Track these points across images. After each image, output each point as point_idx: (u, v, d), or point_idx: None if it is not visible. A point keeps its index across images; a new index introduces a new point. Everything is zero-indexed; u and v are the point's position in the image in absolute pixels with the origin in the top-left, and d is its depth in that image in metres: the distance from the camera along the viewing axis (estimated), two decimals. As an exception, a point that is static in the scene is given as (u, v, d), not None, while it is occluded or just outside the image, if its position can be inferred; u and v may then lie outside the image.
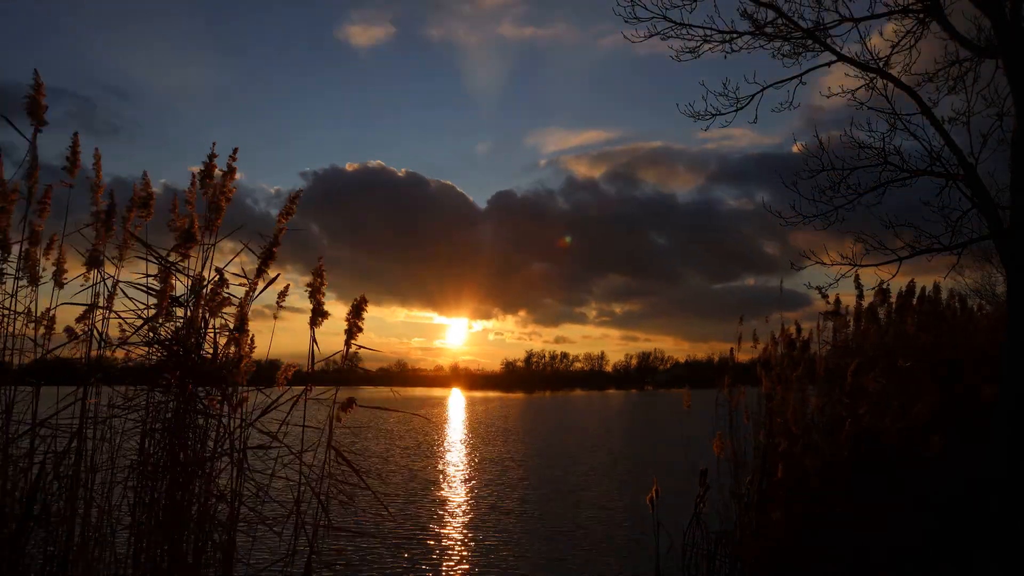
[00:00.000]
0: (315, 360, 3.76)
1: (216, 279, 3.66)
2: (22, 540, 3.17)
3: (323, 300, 3.72)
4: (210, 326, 3.67)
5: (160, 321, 3.60)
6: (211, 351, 3.67)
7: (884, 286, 7.20)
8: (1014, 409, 5.47)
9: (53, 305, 3.66)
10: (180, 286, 3.69)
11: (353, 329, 3.72)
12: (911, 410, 6.00)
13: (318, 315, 3.72)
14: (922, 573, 5.50)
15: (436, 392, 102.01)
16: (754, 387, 6.57)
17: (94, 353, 3.59)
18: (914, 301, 7.63)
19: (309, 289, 3.69)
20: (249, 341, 3.66)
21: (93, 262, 3.61)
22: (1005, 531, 5.25)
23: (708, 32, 6.61)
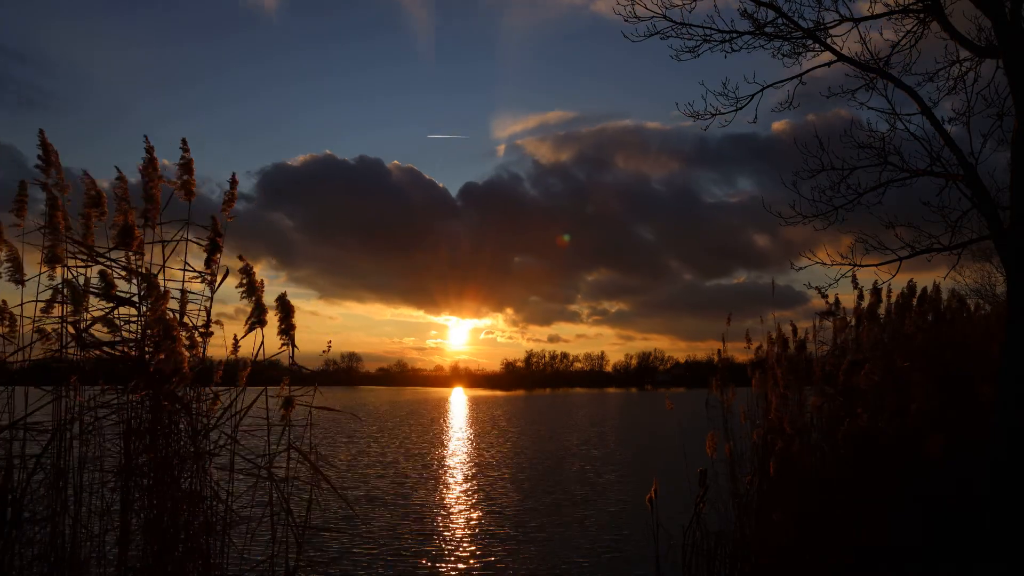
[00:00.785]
0: (257, 360, 3.76)
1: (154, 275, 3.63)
2: (7, 543, 3.16)
3: (262, 297, 3.73)
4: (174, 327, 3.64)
5: (118, 319, 3.58)
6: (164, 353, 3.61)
7: (884, 286, 7.19)
8: (1014, 409, 5.47)
9: (14, 303, 3.58)
10: (125, 284, 3.68)
11: (288, 328, 3.74)
12: (909, 410, 6.00)
13: (260, 314, 3.72)
14: (922, 573, 5.51)
15: (439, 392, 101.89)
16: (749, 387, 6.56)
17: (52, 352, 3.54)
18: (914, 301, 7.63)
19: (243, 288, 3.68)
20: (190, 339, 3.64)
21: (52, 260, 3.55)
22: (1005, 531, 5.25)
23: (708, 32, 6.60)
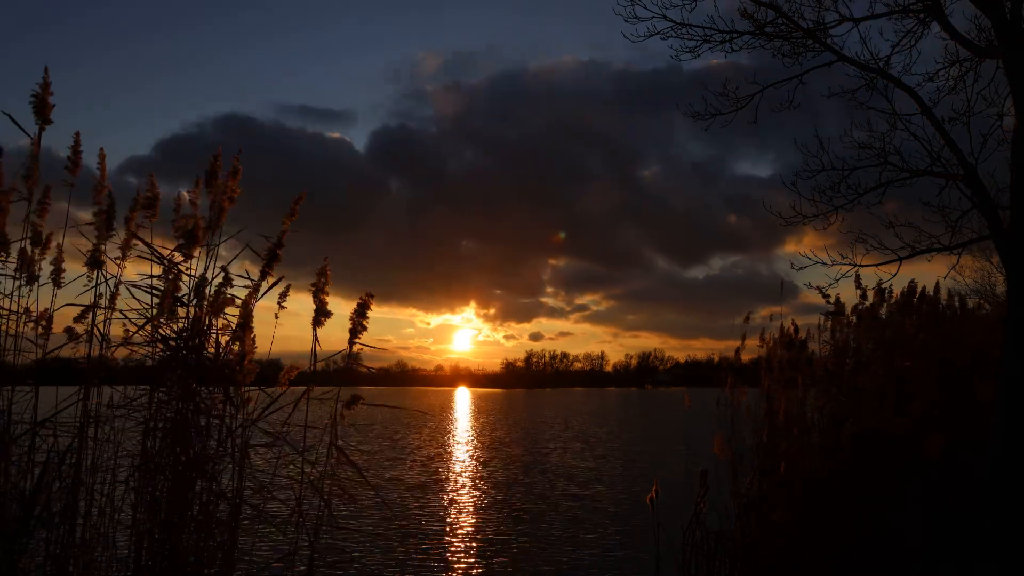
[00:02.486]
0: (317, 360, 3.76)
1: (220, 278, 3.67)
2: (23, 540, 3.18)
3: (326, 300, 3.72)
4: (213, 325, 3.67)
5: (163, 320, 3.60)
6: (214, 350, 3.66)
7: (886, 285, 7.19)
8: (1014, 409, 5.47)
9: (54, 305, 3.64)
10: (183, 287, 3.70)
11: (357, 328, 3.72)
12: (909, 409, 6.00)
13: (321, 315, 3.72)
14: (922, 573, 5.51)
15: (441, 392, 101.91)
16: (754, 386, 6.55)
17: (95, 353, 3.59)
18: (914, 300, 7.63)
19: (313, 289, 3.70)
20: (252, 339, 3.65)
21: (94, 263, 3.61)
22: (1005, 531, 5.25)
23: (708, 32, 6.61)
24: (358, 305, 3.72)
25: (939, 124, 6.28)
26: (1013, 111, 5.89)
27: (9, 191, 3.33)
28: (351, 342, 3.76)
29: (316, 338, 3.75)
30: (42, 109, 3.36)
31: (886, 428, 6.01)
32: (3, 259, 3.42)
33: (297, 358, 3.78)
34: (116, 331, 3.71)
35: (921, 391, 6.34)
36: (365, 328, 3.76)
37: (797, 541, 5.52)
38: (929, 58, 6.72)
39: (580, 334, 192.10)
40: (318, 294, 3.71)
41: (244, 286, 3.71)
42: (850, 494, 5.67)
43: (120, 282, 3.67)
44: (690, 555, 5.89)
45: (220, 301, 3.64)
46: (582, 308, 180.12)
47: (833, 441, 6.13)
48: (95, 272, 3.61)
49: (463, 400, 59.45)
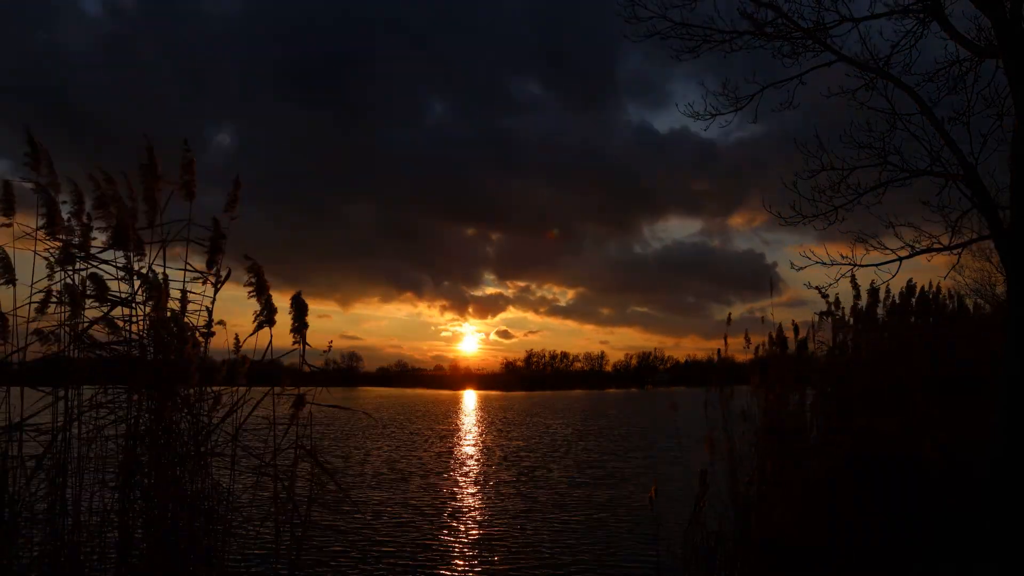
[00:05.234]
0: (271, 356, 3.76)
1: (161, 277, 3.65)
2: (9, 542, 3.17)
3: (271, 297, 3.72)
4: (165, 326, 3.64)
5: (119, 318, 3.59)
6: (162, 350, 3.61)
7: (883, 285, 7.20)
8: (1014, 409, 5.47)
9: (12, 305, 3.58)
10: (118, 284, 3.68)
11: (301, 326, 3.73)
12: (908, 409, 6.00)
13: (271, 314, 3.71)
14: (922, 573, 5.51)
15: (441, 393, 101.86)
16: (748, 386, 6.55)
17: (51, 353, 3.54)
18: (913, 300, 7.64)
19: (251, 288, 3.68)
20: (197, 337, 3.64)
21: (65, 261, 3.57)
22: (1005, 531, 5.25)
23: (708, 32, 6.60)
24: (293, 304, 3.72)
25: (939, 124, 6.28)
26: (1013, 111, 5.89)
27: None
28: (302, 343, 3.76)
29: (271, 338, 3.74)
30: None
31: (885, 428, 6.01)
32: None
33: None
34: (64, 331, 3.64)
35: (920, 391, 6.33)
36: (306, 325, 3.76)
37: (797, 541, 5.52)
38: (929, 58, 6.70)
39: (565, 333, 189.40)
40: (260, 293, 3.69)
41: (194, 279, 3.72)
42: (850, 494, 5.67)
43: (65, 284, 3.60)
44: (690, 555, 5.89)
45: (162, 294, 3.61)
46: (550, 302, 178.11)
47: (832, 441, 6.13)
48: (53, 270, 3.58)
49: (453, 407, 59.25)
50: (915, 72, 6.67)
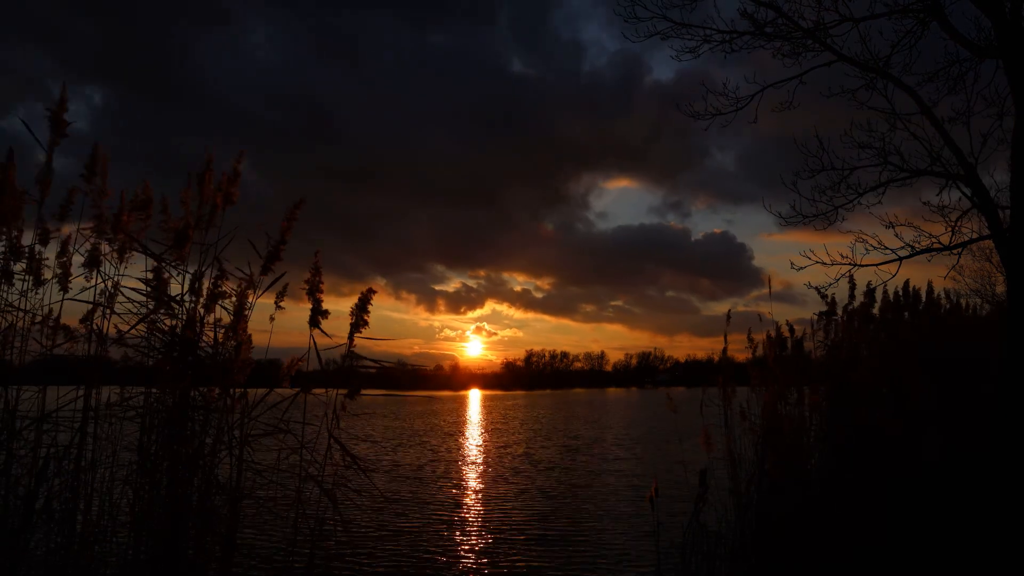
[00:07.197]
0: (319, 357, 3.75)
1: (215, 274, 3.68)
2: (24, 536, 3.20)
3: (322, 298, 3.71)
4: (207, 321, 3.68)
5: (160, 315, 3.63)
6: (211, 345, 3.66)
7: (880, 285, 7.20)
8: (1014, 409, 5.48)
9: (58, 306, 3.70)
10: (177, 286, 3.72)
11: (359, 323, 3.71)
12: (908, 409, 6.01)
13: (317, 314, 3.71)
14: (922, 573, 5.51)
15: (442, 395, 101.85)
16: (748, 386, 6.55)
17: (92, 351, 3.62)
18: (910, 301, 7.64)
19: (307, 287, 3.69)
20: (245, 330, 3.65)
21: (92, 263, 3.66)
22: (1005, 531, 5.26)
23: (708, 32, 6.62)
24: (359, 299, 3.71)
25: (939, 124, 6.29)
26: (1013, 111, 5.90)
27: (22, 194, 3.41)
28: (351, 337, 3.75)
29: (313, 338, 3.73)
30: (57, 124, 3.49)
31: (884, 427, 6.01)
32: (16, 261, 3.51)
33: (292, 353, 3.78)
34: (113, 330, 3.74)
35: (919, 391, 6.33)
36: (366, 323, 3.74)
37: (797, 541, 5.53)
38: (929, 58, 6.71)
39: (544, 332, 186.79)
40: (313, 292, 3.70)
41: (242, 278, 3.73)
42: (849, 494, 5.67)
43: (117, 283, 3.70)
44: (690, 555, 5.90)
45: (215, 293, 3.65)
46: (523, 296, 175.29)
47: (831, 440, 6.14)
48: (93, 272, 3.66)
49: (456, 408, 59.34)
50: (915, 72, 6.69)
